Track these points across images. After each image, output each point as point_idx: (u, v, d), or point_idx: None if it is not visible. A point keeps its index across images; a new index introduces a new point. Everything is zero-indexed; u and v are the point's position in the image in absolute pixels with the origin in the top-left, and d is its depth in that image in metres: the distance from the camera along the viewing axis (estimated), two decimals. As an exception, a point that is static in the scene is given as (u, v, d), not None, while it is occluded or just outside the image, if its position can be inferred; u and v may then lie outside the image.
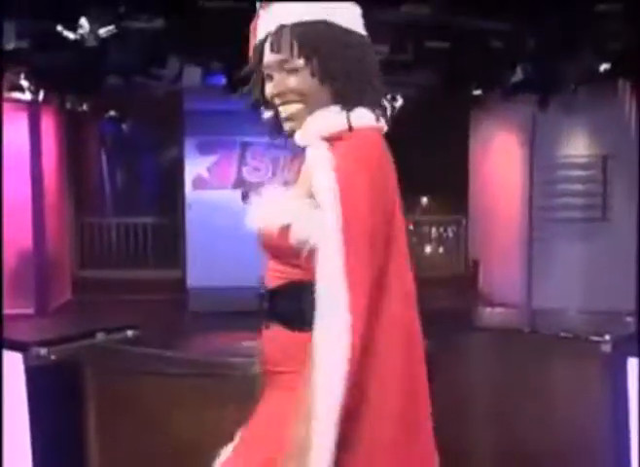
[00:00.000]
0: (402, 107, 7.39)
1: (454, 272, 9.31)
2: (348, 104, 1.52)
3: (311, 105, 1.54)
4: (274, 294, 1.56)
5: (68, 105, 8.18)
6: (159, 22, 4.99)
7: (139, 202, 10.62)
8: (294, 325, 1.52)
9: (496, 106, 7.80)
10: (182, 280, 8.82)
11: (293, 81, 1.53)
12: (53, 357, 3.41)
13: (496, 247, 8.51)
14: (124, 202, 10.56)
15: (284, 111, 1.56)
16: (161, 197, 10.33)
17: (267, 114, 1.67)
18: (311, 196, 1.47)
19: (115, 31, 4.68)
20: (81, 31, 4.61)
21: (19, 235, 7.64)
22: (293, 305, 1.52)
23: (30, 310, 7.55)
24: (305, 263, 1.47)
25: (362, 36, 1.57)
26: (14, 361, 3.43)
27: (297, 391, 1.43)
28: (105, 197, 10.66)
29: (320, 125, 1.52)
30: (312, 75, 1.52)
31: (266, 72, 1.57)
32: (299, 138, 1.55)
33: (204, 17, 4.79)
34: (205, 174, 8.88)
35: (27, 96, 7.01)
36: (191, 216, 8.76)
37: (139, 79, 6.87)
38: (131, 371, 3.49)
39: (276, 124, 1.63)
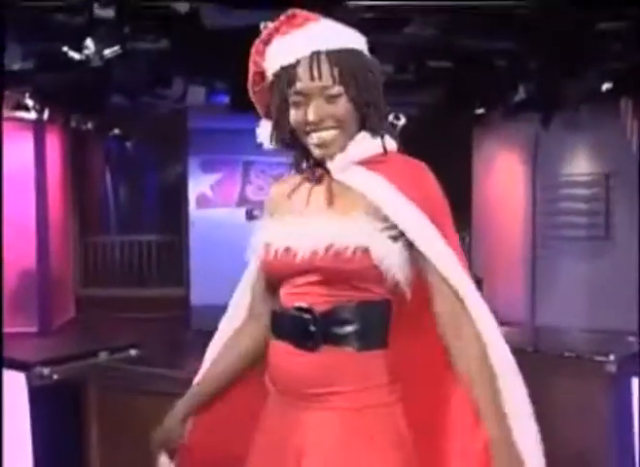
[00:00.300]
0: (405, 126, 7.40)
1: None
2: (376, 130, 1.57)
3: (344, 131, 1.56)
4: (328, 316, 1.54)
5: (73, 124, 8.23)
6: (163, 43, 5.02)
7: (143, 220, 10.63)
8: (357, 345, 1.54)
9: (499, 125, 7.82)
10: (185, 298, 8.82)
11: (333, 107, 1.53)
12: (55, 377, 3.40)
13: (499, 265, 8.50)
14: (127, 220, 10.58)
15: (318, 137, 1.56)
16: (165, 216, 10.34)
17: (264, 135, 1.67)
18: (372, 217, 1.53)
19: (120, 52, 4.71)
20: (86, 52, 4.64)
21: (23, 254, 7.65)
22: (357, 326, 1.54)
23: (33, 329, 7.55)
24: (369, 284, 1.54)
25: (376, 61, 1.61)
26: (16, 381, 3.43)
27: (355, 410, 1.52)
28: (109, 216, 10.67)
29: (358, 151, 1.57)
30: (350, 102, 1.54)
31: (297, 98, 1.55)
32: (338, 163, 1.57)
33: (208, 37, 4.82)
34: (209, 192, 8.90)
35: (32, 115, 7.06)
36: (194, 234, 8.77)
37: (144, 98, 6.92)
38: (134, 390, 3.48)
39: (296, 148, 1.63)
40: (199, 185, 8.87)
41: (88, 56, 4.72)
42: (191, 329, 8.14)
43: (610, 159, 7.37)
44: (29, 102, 6.82)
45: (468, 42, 5.24)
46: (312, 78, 1.52)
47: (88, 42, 4.63)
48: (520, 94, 6.17)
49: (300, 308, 1.56)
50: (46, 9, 4.43)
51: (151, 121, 8.47)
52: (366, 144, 1.58)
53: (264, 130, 1.68)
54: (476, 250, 9.24)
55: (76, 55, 4.75)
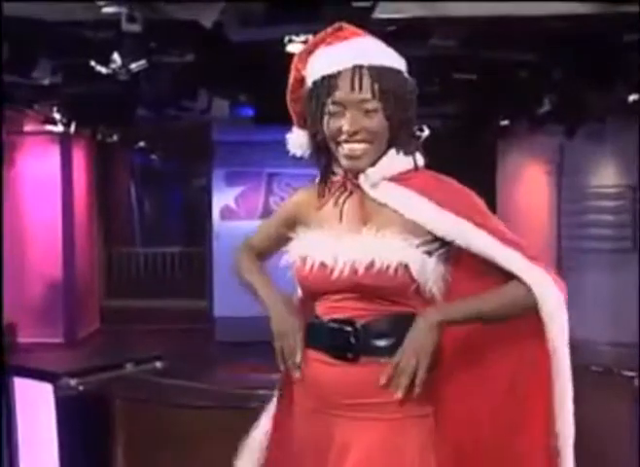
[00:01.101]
0: (428, 138, 7.39)
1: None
2: (408, 147, 1.61)
3: (375, 146, 1.59)
4: (368, 329, 1.57)
5: (99, 137, 8.32)
6: (188, 57, 5.06)
7: (167, 232, 10.71)
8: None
9: (524, 137, 7.77)
10: (209, 310, 8.84)
11: (370, 121, 1.56)
12: (81, 388, 3.43)
13: (524, 278, 8.44)
14: (152, 232, 10.65)
15: (350, 149, 1.58)
16: (189, 228, 10.40)
17: (293, 143, 1.70)
18: (408, 233, 1.56)
19: (146, 65, 4.75)
20: (113, 66, 4.68)
21: (49, 265, 7.73)
22: (395, 339, 1.56)
23: (59, 340, 7.60)
24: (407, 299, 1.57)
25: (413, 81, 1.65)
26: (43, 391, 3.46)
27: (390, 421, 1.54)
28: (134, 227, 10.76)
29: (390, 167, 1.60)
30: (386, 118, 1.57)
31: (334, 108, 1.57)
32: (370, 178, 1.60)
33: (232, 51, 4.85)
34: (233, 205, 8.92)
35: (59, 129, 7.14)
36: (218, 246, 8.79)
37: (169, 111, 6.97)
38: (160, 402, 3.49)
39: (323, 160, 1.66)
40: (223, 197, 8.89)
41: (114, 70, 4.76)
42: (214, 341, 8.15)
43: (636, 170, 7.29)
44: (57, 116, 6.90)
45: (492, 53, 5.22)
46: (353, 89, 1.55)
47: (115, 56, 4.67)
48: (545, 106, 6.13)
49: (339, 320, 1.58)
50: (74, 24, 4.49)
51: (176, 134, 8.53)
52: (397, 160, 1.61)
53: (293, 138, 1.71)
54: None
55: (103, 69, 4.80)
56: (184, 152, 9.57)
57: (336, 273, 1.56)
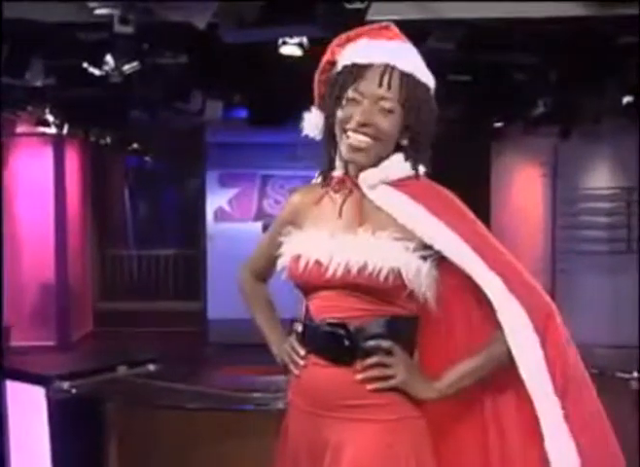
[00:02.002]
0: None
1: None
2: (413, 158, 1.63)
3: (379, 146, 1.60)
4: (362, 331, 1.58)
5: (92, 139, 8.28)
6: (182, 58, 5.05)
7: (161, 235, 10.66)
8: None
9: (518, 138, 7.77)
10: (203, 312, 8.81)
11: (383, 119, 1.58)
12: (74, 391, 3.41)
13: (519, 280, 8.43)
14: (145, 234, 10.61)
15: (356, 140, 1.58)
16: (183, 230, 10.36)
17: (310, 122, 1.71)
18: (403, 237, 1.57)
19: (139, 67, 4.73)
20: (106, 68, 4.67)
21: (42, 267, 7.70)
22: (391, 340, 1.57)
23: (52, 342, 7.57)
24: (400, 301, 1.58)
25: (436, 106, 1.69)
26: (36, 395, 3.44)
27: (386, 422, 1.56)
28: (127, 230, 10.71)
29: (391, 171, 1.62)
30: (403, 125, 1.60)
31: (355, 95, 1.59)
32: (369, 178, 1.61)
33: (226, 52, 4.84)
34: (227, 207, 8.91)
35: (52, 130, 7.11)
36: (212, 248, 8.77)
37: (162, 113, 6.95)
38: (153, 405, 3.47)
39: (329, 148, 1.67)
40: (217, 199, 8.88)
41: (107, 72, 4.75)
42: (208, 343, 8.13)
43: (631, 172, 7.30)
44: (49, 118, 6.87)
45: (486, 56, 5.22)
46: (380, 85, 1.57)
47: (108, 58, 4.66)
48: (540, 108, 6.13)
49: (333, 324, 1.59)
50: (67, 26, 4.47)
51: (169, 135, 8.51)
52: (400, 166, 1.62)
53: (310, 117, 1.71)
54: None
55: (96, 71, 4.78)
56: (177, 154, 9.54)
57: (330, 272, 1.57)
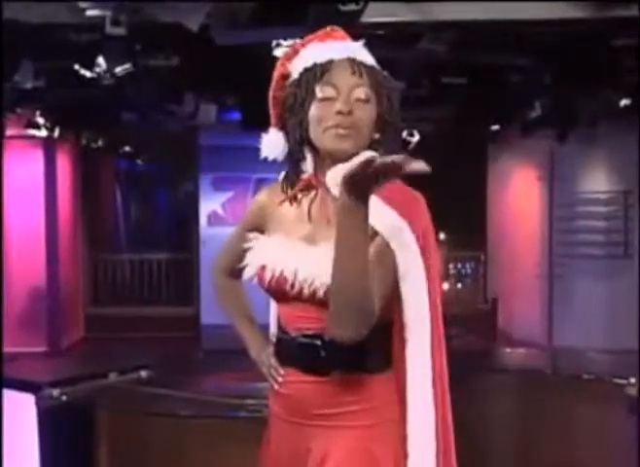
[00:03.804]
0: (419, 143, 7.37)
1: (473, 310, 9.20)
2: (386, 150, 1.55)
3: (359, 138, 1.55)
4: (338, 341, 1.53)
5: (83, 141, 8.24)
6: (174, 60, 5.01)
7: (153, 238, 10.63)
8: (366, 368, 1.58)
9: (514, 141, 7.76)
10: (196, 317, 8.76)
11: (360, 110, 1.54)
12: (64, 398, 3.36)
13: (515, 284, 8.40)
14: (138, 238, 10.57)
15: (339, 132, 1.54)
16: (176, 234, 10.33)
17: (269, 144, 1.69)
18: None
19: (131, 69, 4.69)
20: (97, 69, 4.63)
21: (32, 272, 7.64)
22: (365, 349, 1.55)
23: (42, 348, 7.51)
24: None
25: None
26: (25, 402, 3.38)
27: (364, 427, 1.56)
28: (119, 234, 10.67)
29: None
30: (375, 114, 1.56)
31: (327, 90, 1.55)
32: (336, 175, 1.50)
33: (219, 54, 4.81)
34: (220, 210, 8.87)
35: (43, 133, 7.05)
36: (205, 252, 8.73)
37: (155, 115, 6.91)
38: (144, 412, 3.43)
39: (298, 155, 1.63)
40: (211, 203, 8.84)
41: (99, 74, 4.71)
42: (201, 348, 8.08)
43: (628, 176, 7.29)
44: (40, 120, 6.82)
45: (482, 58, 5.21)
46: (353, 72, 1.54)
47: (100, 60, 4.62)
48: (536, 111, 6.12)
49: (308, 335, 1.58)
50: (58, 27, 4.43)
51: (162, 138, 8.47)
52: None
53: (269, 139, 1.70)
54: (491, 269, 9.16)
55: (87, 73, 4.74)
56: (170, 157, 9.51)
57: (295, 287, 1.55)
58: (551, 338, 7.71)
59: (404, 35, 4.69)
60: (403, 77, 5.50)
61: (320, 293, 1.52)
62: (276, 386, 1.66)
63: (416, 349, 1.55)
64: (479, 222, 8.93)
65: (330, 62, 1.56)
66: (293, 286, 1.56)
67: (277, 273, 1.58)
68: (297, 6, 3.97)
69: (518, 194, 8.49)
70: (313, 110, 1.56)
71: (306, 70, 1.58)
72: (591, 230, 7.60)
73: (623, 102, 5.89)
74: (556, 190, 7.86)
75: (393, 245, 1.51)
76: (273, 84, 1.68)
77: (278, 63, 1.68)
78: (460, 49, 4.82)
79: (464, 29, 4.57)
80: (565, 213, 7.79)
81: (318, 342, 1.56)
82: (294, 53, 1.65)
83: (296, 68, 1.62)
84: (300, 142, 1.61)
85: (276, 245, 1.62)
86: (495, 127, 7.31)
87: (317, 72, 1.56)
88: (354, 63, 1.55)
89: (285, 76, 1.66)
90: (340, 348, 1.53)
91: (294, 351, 1.62)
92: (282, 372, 1.64)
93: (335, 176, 1.51)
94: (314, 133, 1.57)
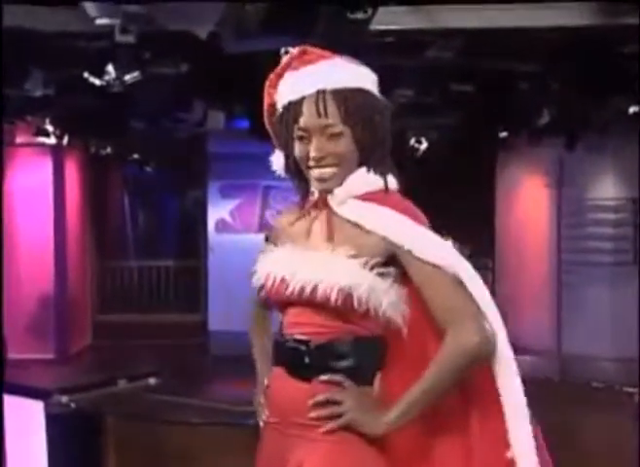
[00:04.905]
0: (427, 150, 7.37)
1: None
2: (377, 168, 1.61)
3: (344, 168, 1.60)
4: (323, 349, 1.58)
5: (92, 149, 8.26)
6: (183, 68, 5.02)
7: (161, 246, 10.63)
8: (350, 380, 1.57)
9: (523, 148, 7.73)
10: (204, 324, 8.76)
11: (335, 145, 1.58)
12: (73, 405, 3.36)
13: (524, 291, 8.37)
14: (145, 245, 10.57)
15: (320, 173, 1.60)
16: (184, 241, 10.33)
17: (277, 163, 1.73)
18: (372, 252, 1.56)
19: (140, 77, 4.71)
20: (107, 77, 4.65)
21: (41, 279, 7.65)
22: (352, 362, 1.57)
23: (50, 355, 7.51)
24: (361, 320, 1.56)
25: (386, 102, 1.65)
26: (34, 409, 3.38)
27: (340, 443, 1.54)
28: (127, 241, 10.68)
29: (359, 185, 1.61)
30: (353, 141, 1.58)
31: (300, 133, 1.60)
32: (337, 196, 1.61)
33: (228, 62, 4.82)
34: (228, 218, 8.88)
35: (52, 141, 7.08)
36: (213, 260, 8.74)
37: (163, 123, 6.92)
38: (153, 419, 3.43)
39: (299, 180, 1.69)
40: (219, 210, 8.85)
41: (108, 82, 4.72)
42: (209, 355, 8.07)
43: (637, 183, 7.25)
44: (49, 128, 6.84)
45: (490, 65, 5.21)
46: (318, 115, 1.56)
47: (109, 68, 4.64)
48: (545, 118, 6.11)
49: (298, 340, 1.61)
50: (67, 35, 4.45)
51: (170, 145, 8.48)
52: (365, 179, 1.61)
53: (275, 158, 1.74)
54: (499, 276, 9.12)
55: (96, 81, 4.76)
56: (178, 164, 9.52)
57: (289, 289, 1.58)
58: (560, 345, 7.67)
59: (412, 43, 4.69)
60: (411, 84, 5.51)
61: (307, 291, 1.55)
62: (261, 424, 1.70)
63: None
64: (487, 229, 8.90)
65: (301, 101, 1.58)
66: (288, 289, 1.59)
67: (278, 278, 1.61)
68: (305, 14, 3.98)
69: (527, 201, 8.47)
70: (295, 149, 1.62)
71: (285, 109, 1.62)
72: (600, 237, 7.56)
73: (632, 109, 5.87)
74: (565, 197, 7.84)
75: (408, 251, 1.56)
76: (265, 113, 1.72)
77: (265, 91, 1.70)
78: (468, 56, 4.83)
79: (472, 36, 4.57)
80: (574, 220, 7.76)
81: (304, 348, 1.59)
82: (276, 79, 1.67)
83: (279, 100, 1.65)
84: (292, 172, 1.68)
85: (280, 254, 1.66)
86: (504, 135, 7.29)
87: (292, 113, 1.59)
88: (320, 100, 1.56)
89: (273, 105, 1.69)
90: (324, 357, 1.57)
91: (283, 354, 1.65)
92: (267, 414, 1.67)
93: (335, 196, 1.61)
94: (302, 168, 1.64)
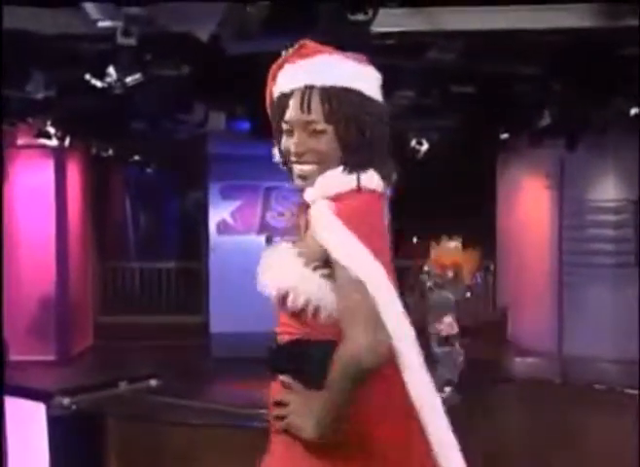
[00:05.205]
0: (428, 151, 7.36)
1: (482, 319, 9.16)
2: (359, 167, 1.57)
3: (325, 166, 1.59)
4: (283, 349, 1.63)
5: (93, 150, 8.26)
6: (184, 70, 5.03)
7: (162, 247, 10.64)
8: (303, 382, 1.59)
9: (524, 150, 7.72)
10: (205, 326, 8.75)
11: (317, 143, 1.58)
12: (74, 407, 3.36)
13: (525, 293, 8.36)
14: (147, 247, 10.58)
15: (299, 170, 1.61)
16: (185, 242, 10.34)
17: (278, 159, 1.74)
18: (319, 254, 1.54)
19: (141, 79, 4.71)
20: (108, 79, 4.65)
21: (42, 280, 7.64)
22: (301, 363, 1.59)
23: (51, 357, 7.49)
24: (315, 323, 1.56)
25: (379, 103, 1.62)
26: (36, 411, 3.39)
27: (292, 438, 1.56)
28: (128, 242, 10.68)
29: (330, 185, 1.57)
30: (337, 139, 1.57)
31: (286, 127, 1.61)
32: (308, 195, 1.61)
33: (229, 63, 4.83)
34: (229, 219, 8.87)
35: (54, 143, 7.08)
36: (214, 261, 8.73)
37: (164, 124, 6.92)
38: (154, 421, 3.43)
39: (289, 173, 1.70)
40: (220, 211, 8.84)
41: (109, 84, 4.73)
42: (210, 357, 8.07)
43: (638, 184, 7.24)
44: (51, 129, 6.84)
45: (491, 66, 5.20)
46: (302, 110, 1.57)
47: (111, 70, 4.64)
48: (546, 119, 6.10)
49: (275, 339, 1.65)
50: (69, 37, 4.45)
51: (171, 147, 8.48)
52: (338, 180, 1.57)
53: (276, 151, 1.74)
54: (501, 278, 9.11)
55: (98, 83, 4.76)
56: (180, 165, 9.52)
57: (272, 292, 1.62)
58: (562, 347, 7.65)
59: (413, 44, 4.69)
60: (412, 86, 5.51)
61: (270, 293, 1.59)
62: None
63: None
64: (488, 231, 8.89)
65: (289, 95, 1.59)
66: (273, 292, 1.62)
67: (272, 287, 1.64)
68: (307, 16, 3.99)
69: (528, 202, 8.46)
70: (283, 142, 1.64)
71: (276, 101, 1.64)
72: (601, 238, 7.54)
73: (633, 111, 5.87)
74: (566, 198, 7.82)
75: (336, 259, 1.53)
76: (267, 103, 1.72)
77: (267, 83, 1.70)
78: (469, 58, 4.82)
79: (473, 38, 4.57)
80: (575, 222, 7.75)
81: (273, 346, 1.64)
82: (277, 70, 1.68)
83: (275, 92, 1.67)
84: (285, 164, 1.68)
85: (271, 250, 1.69)
86: (504, 136, 7.28)
87: (280, 107, 1.61)
88: (305, 95, 1.56)
89: (271, 96, 1.70)
90: (282, 357, 1.62)
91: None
92: None
93: (307, 195, 1.60)
94: (287, 164, 1.65)
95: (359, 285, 1.47)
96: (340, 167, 1.57)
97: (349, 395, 1.48)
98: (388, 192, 1.64)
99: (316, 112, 1.56)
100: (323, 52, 1.64)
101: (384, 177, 1.60)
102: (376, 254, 1.49)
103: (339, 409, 1.50)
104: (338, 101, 1.56)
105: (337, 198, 1.55)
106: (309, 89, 1.57)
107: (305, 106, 1.56)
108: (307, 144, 1.57)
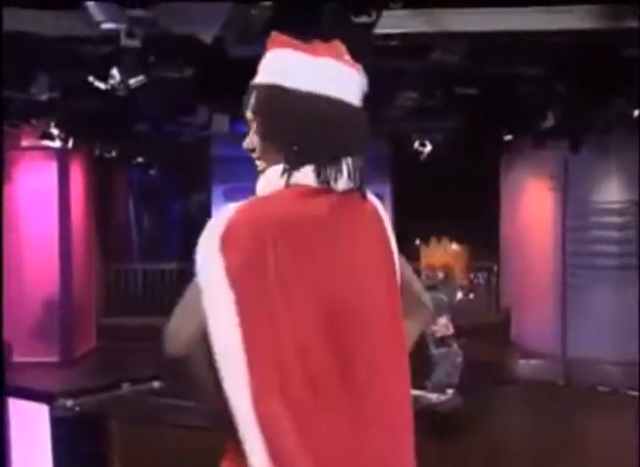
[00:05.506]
0: (431, 153, 7.35)
1: (486, 321, 9.15)
2: (293, 164, 1.54)
3: (267, 163, 1.59)
4: None
5: (97, 152, 8.27)
6: (188, 72, 5.03)
7: (165, 249, 10.64)
8: None
9: (527, 151, 7.72)
10: (207, 327, 8.74)
11: (255, 140, 1.60)
12: (77, 409, 3.36)
13: (529, 295, 8.35)
14: (150, 249, 10.58)
15: (258, 165, 1.62)
16: (188, 244, 10.27)
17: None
18: None
19: (145, 81, 4.72)
20: (112, 81, 4.65)
21: (45, 282, 7.65)
22: None
23: (55, 359, 7.50)
24: None
25: (322, 99, 1.54)
26: (39, 412, 3.38)
27: None
28: (131, 244, 10.69)
29: (264, 185, 1.59)
30: (257, 134, 1.58)
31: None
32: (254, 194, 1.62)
33: (232, 65, 4.83)
34: (232, 221, 8.88)
35: (57, 144, 7.09)
36: (217, 263, 8.72)
37: (168, 126, 6.93)
38: (157, 422, 3.43)
39: None
40: (223, 213, 8.85)
41: (113, 86, 4.73)
42: (213, 358, 8.06)
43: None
44: (54, 131, 6.85)
45: (495, 68, 5.20)
46: (246, 107, 1.60)
47: (114, 72, 4.65)
48: (549, 121, 6.10)
49: None
50: (73, 40, 4.46)
51: (174, 149, 8.49)
52: (271, 179, 1.57)
53: None
54: (504, 279, 9.10)
55: (101, 85, 4.77)
56: (183, 167, 9.53)
57: None
58: (565, 349, 7.64)
59: (416, 46, 4.69)
60: (416, 87, 5.51)
61: None
62: None
63: None
64: (491, 232, 8.88)
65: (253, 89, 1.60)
66: None
67: None
68: (310, 18, 3.99)
69: (531, 204, 8.45)
70: None
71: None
72: (605, 240, 7.53)
73: (637, 112, 5.86)
74: (569, 200, 7.81)
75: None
76: None
77: None
78: (472, 59, 4.82)
79: (476, 40, 4.57)
80: (578, 223, 7.74)
81: None
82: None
83: None
84: None
85: None
86: (508, 138, 7.28)
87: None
88: (247, 93, 1.59)
89: None
90: None
91: None
92: None
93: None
94: None
95: (194, 288, 1.47)
96: (275, 167, 1.55)
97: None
98: (341, 188, 1.53)
99: (247, 109, 1.59)
100: (276, 45, 1.61)
101: (329, 175, 1.53)
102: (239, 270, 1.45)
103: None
104: (265, 99, 1.56)
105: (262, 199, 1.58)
106: (253, 86, 1.59)
107: (245, 103, 1.59)
108: (253, 141, 1.59)
